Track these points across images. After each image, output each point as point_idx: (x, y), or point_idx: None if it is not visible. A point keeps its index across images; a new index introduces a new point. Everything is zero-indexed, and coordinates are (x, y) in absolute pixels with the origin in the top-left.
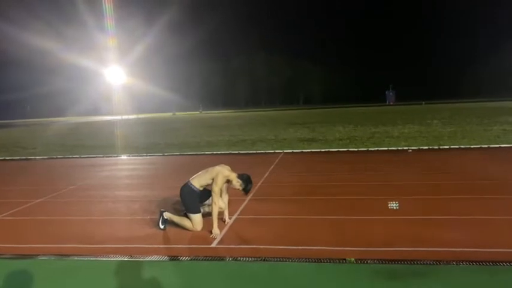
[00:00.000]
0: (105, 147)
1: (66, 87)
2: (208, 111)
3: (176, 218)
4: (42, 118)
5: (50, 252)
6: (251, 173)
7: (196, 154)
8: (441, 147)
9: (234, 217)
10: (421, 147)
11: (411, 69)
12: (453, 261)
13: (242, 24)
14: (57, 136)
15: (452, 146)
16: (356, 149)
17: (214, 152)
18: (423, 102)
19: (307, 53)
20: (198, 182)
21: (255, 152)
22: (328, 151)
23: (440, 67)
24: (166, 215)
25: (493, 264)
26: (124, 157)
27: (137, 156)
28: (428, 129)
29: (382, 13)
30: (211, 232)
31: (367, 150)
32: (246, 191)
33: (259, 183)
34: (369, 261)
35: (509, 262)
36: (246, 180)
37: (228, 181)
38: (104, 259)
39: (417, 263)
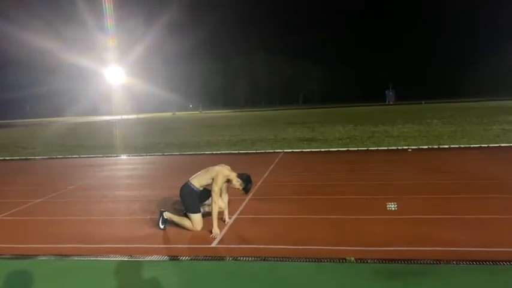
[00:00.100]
0: (105, 147)
1: (65, 87)
2: (208, 111)
3: (176, 218)
4: (42, 118)
5: (50, 252)
6: (251, 172)
7: (196, 154)
8: (441, 146)
9: (234, 217)
10: (420, 147)
11: (411, 69)
12: (453, 260)
13: (242, 24)
14: (56, 136)
15: (452, 146)
16: (356, 149)
17: (214, 152)
18: (423, 102)
19: (307, 53)
20: (198, 181)
21: (254, 151)
22: (328, 151)
23: (440, 67)
24: (166, 214)
25: (493, 264)
26: (124, 157)
27: (137, 156)
28: (428, 128)
29: (382, 13)
30: (211, 232)
31: (367, 149)
32: (246, 190)
33: (259, 183)
34: (369, 261)
35: (510, 261)
36: (246, 180)
37: (228, 181)
38: (104, 259)
39: (417, 263)
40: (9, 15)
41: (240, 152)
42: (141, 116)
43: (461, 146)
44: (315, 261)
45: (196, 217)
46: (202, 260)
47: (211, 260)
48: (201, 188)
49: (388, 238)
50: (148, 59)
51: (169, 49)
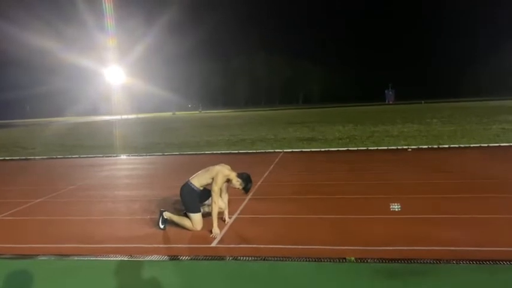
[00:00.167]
0: (105, 147)
1: (65, 87)
2: (208, 111)
3: (176, 218)
4: (42, 118)
5: (49, 252)
6: (251, 172)
7: (196, 154)
8: (441, 146)
9: (234, 216)
10: (420, 146)
11: (411, 69)
12: (453, 260)
13: (242, 24)
14: (56, 136)
15: (451, 145)
16: (356, 148)
17: (214, 152)
18: (423, 101)
19: (307, 53)
20: (198, 181)
21: (254, 151)
22: (328, 150)
23: (440, 67)
24: (166, 214)
25: (493, 263)
26: (123, 157)
27: (137, 156)
28: (428, 128)
29: (382, 13)
30: (211, 232)
31: (367, 149)
32: (246, 190)
33: (259, 183)
34: (369, 261)
35: (509, 261)
36: (246, 179)
37: (228, 180)
38: (104, 259)
39: (417, 262)
40: (9, 15)
41: (240, 151)
42: (141, 116)
43: (461, 145)
44: (315, 260)
45: (196, 217)
46: (202, 259)
47: (211, 259)
48: (201, 188)
49: (388, 238)
50: (148, 59)
51: (169, 49)
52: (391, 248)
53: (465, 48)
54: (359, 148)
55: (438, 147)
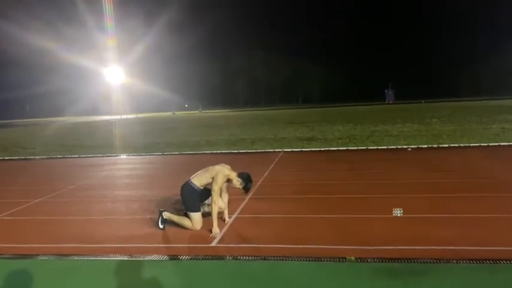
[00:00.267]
0: (105, 147)
1: (65, 86)
2: (208, 111)
3: (175, 218)
4: (42, 118)
5: (49, 252)
6: (251, 172)
7: (195, 153)
8: (440, 145)
9: (233, 216)
10: (420, 146)
11: (411, 69)
12: (453, 259)
13: (241, 24)
14: (56, 136)
15: (451, 145)
16: (355, 148)
17: (214, 151)
18: (422, 101)
19: (307, 53)
20: (198, 180)
21: (254, 151)
22: (328, 150)
23: (440, 67)
24: (166, 214)
25: (493, 263)
26: (123, 157)
27: (136, 155)
28: (428, 127)
29: (382, 13)
30: (211, 231)
31: (367, 148)
32: (246, 189)
33: (259, 182)
34: (368, 260)
35: (509, 260)
36: (246, 179)
37: (228, 180)
38: (104, 259)
39: (417, 262)
40: (9, 15)
41: (240, 151)
42: (140, 115)
43: (461, 145)
44: (315, 260)
45: (196, 216)
46: (202, 259)
47: (211, 259)
48: (202, 187)
49: (388, 237)
50: (148, 59)
51: (168, 49)
52: (391, 247)
53: (465, 48)
54: (359, 148)
55: (438, 147)
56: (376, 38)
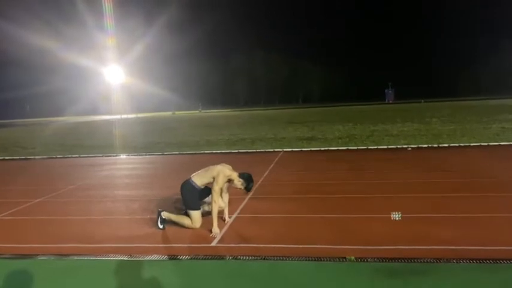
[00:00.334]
0: (104, 147)
1: (65, 86)
2: (208, 111)
3: (174, 217)
4: (42, 118)
5: (49, 252)
6: (251, 171)
7: (195, 153)
8: (440, 145)
9: (234, 216)
10: (420, 146)
11: (411, 69)
12: (453, 259)
13: (241, 24)
14: (56, 136)
15: (451, 144)
16: (355, 148)
17: (214, 151)
18: (422, 100)
19: (307, 53)
20: (199, 179)
21: (254, 150)
22: (328, 149)
23: (440, 67)
24: (164, 214)
25: (493, 262)
26: (123, 156)
27: (136, 155)
28: (428, 127)
29: (382, 13)
30: (211, 231)
31: (367, 148)
32: (248, 189)
33: (259, 182)
34: (369, 260)
35: (510, 260)
36: (247, 179)
37: (229, 180)
38: (104, 259)
39: (417, 261)
40: (9, 15)
41: (240, 151)
42: (140, 115)
43: (461, 144)
44: (315, 260)
45: (196, 214)
46: (202, 259)
47: (211, 259)
48: (202, 186)
49: (388, 237)
50: (148, 59)
51: (168, 49)
52: (391, 247)
53: (465, 48)
54: (359, 147)
55: (438, 147)
56: (376, 38)
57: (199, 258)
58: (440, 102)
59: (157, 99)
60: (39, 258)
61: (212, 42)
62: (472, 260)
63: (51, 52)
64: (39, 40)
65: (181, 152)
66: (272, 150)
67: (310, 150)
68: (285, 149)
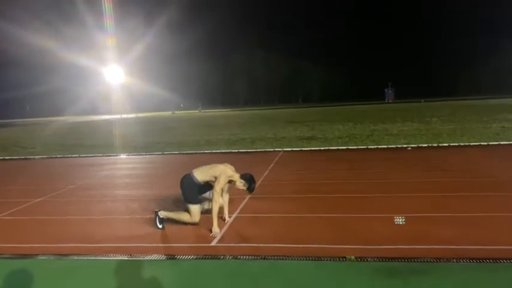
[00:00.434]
0: (104, 147)
1: (65, 86)
2: (208, 110)
3: (172, 214)
4: (42, 117)
5: (49, 251)
6: (251, 171)
7: (195, 153)
8: (440, 144)
9: (233, 215)
10: (420, 145)
11: (411, 69)
12: (453, 258)
13: (240, 24)
14: (56, 135)
15: (451, 144)
16: (355, 147)
17: (214, 151)
18: (422, 100)
19: (307, 53)
20: (200, 175)
21: (254, 150)
22: (328, 149)
23: (440, 67)
24: (162, 213)
25: (493, 262)
26: (123, 156)
27: (136, 155)
28: (428, 126)
29: (382, 13)
30: (211, 231)
31: (367, 148)
32: (250, 190)
33: (259, 182)
34: (369, 259)
35: (510, 259)
36: (249, 180)
37: (231, 181)
38: (104, 258)
39: (417, 261)
40: (9, 15)
41: (240, 151)
42: (140, 115)
43: (461, 144)
44: (315, 259)
45: (195, 208)
46: (202, 259)
47: (211, 259)
48: (202, 182)
49: (388, 236)
50: (148, 58)
51: (168, 48)
52: (391, 246)
53: (465, 48)
54: (359, 147)
55: (438, 146)
56: (376, 38)
57: (199, 258)
58: (440, 102)
59: (157, 99)
60: (39, 258)
61: (212, 42)
62: (472, 259)
63: (51, 52)
64: (39, 40)
65: (181, 152)
66: (272, 149)
67: (310, 149)
68: (285, 149)
